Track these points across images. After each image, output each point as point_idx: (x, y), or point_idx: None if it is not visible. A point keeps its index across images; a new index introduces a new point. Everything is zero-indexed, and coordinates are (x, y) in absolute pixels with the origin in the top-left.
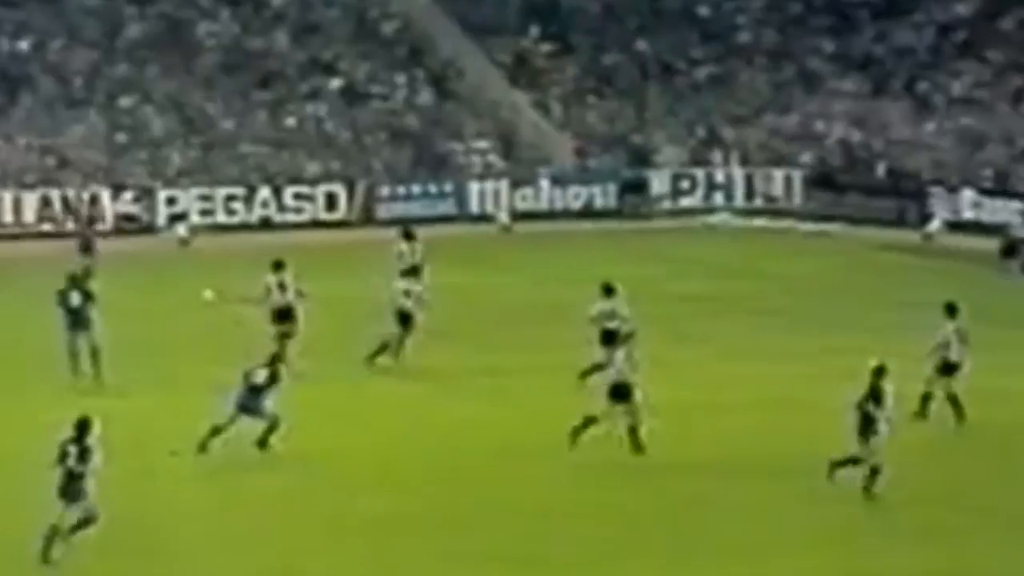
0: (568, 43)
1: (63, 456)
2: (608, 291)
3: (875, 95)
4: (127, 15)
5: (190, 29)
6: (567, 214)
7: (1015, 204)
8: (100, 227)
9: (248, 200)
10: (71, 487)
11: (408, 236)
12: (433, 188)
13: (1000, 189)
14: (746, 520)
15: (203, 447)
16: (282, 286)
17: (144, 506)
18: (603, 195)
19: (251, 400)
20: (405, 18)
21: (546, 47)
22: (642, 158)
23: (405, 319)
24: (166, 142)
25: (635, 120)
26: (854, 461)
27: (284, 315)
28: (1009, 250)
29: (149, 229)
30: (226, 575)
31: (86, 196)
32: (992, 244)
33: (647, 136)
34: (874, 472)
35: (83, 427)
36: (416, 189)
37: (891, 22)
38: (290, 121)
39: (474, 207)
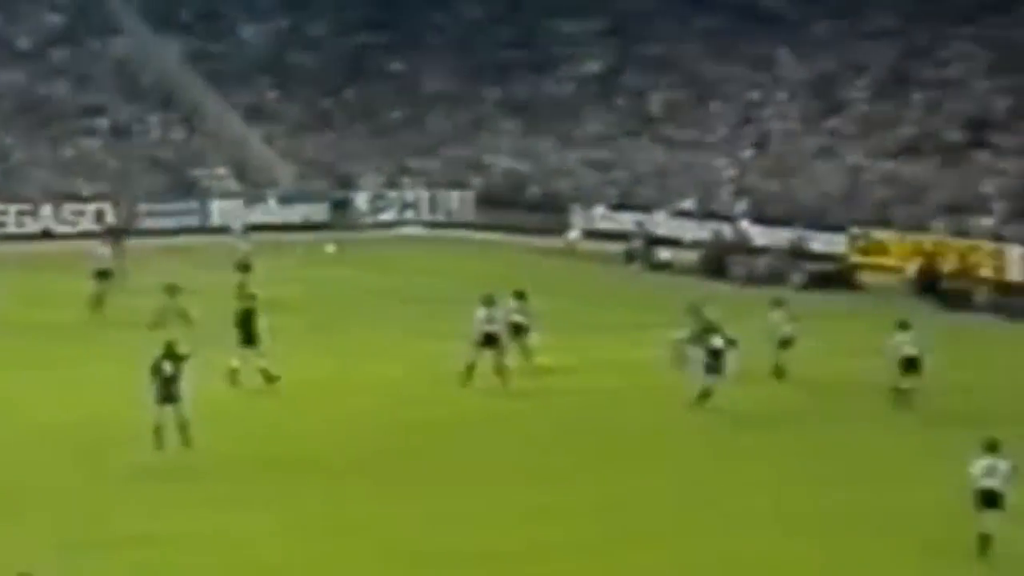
0: (291, 91)
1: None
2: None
3: (530, 133)
4: None
5: None
6: (290, 226)
7: (634, 216)
8: None
9: (34, 214)
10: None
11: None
12: (182, 205)
13: (623, 204)
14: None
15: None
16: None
17: None
18: (318, 211)
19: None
20: (160, 71)
21: (273, 94)
22: (348, 182)
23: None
24: None
25: (343, 152)
26: None
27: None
28: (631, 255)
29: None
30: None
31: None
32: (619, 247)
33: (352, 165)
34: None
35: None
36: (169, 207)
37: (542, 75)
38: (69, 152)
39: (215, 220)
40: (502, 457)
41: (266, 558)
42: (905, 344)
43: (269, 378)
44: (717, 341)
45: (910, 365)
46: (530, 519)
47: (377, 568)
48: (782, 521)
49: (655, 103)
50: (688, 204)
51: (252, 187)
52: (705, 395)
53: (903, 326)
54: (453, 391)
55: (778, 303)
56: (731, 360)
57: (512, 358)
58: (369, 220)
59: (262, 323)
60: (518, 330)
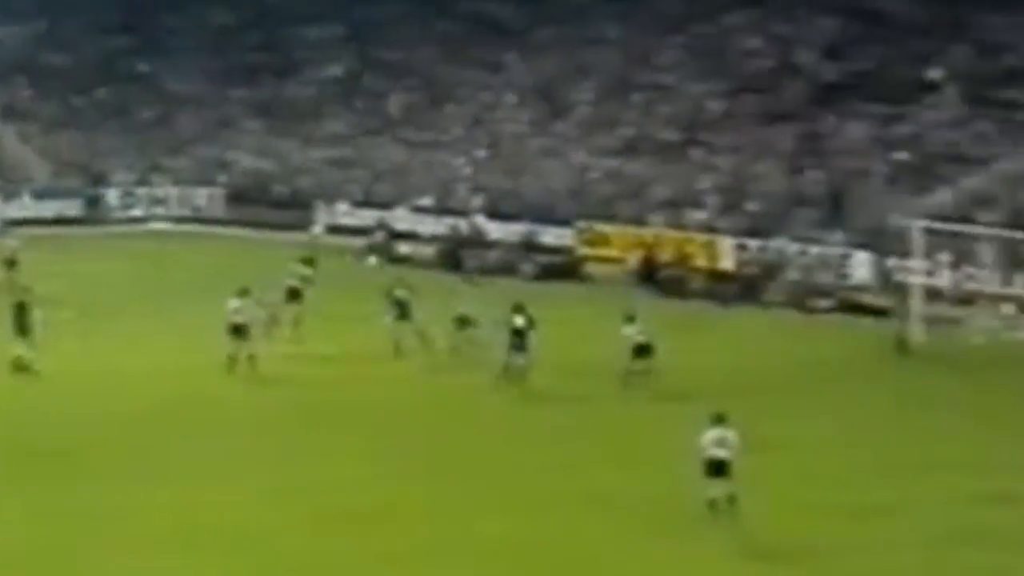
0: (45, 90)
1: None
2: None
3: (274, 133)
4: None
5: None
6: (45, 221)
7: (375, 213)
8: None
9: None
10: None
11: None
12: None
13: (365, 201)
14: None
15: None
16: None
17: None
18: (71, 206)
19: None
20: None
21: (28, 92)
22: (100, 179)
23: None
24: None
25: (96, 150)
26: None
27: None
28: (372, 249)
29: None
30: None
31: None
32: (361, 242)
33: (105, 163)
34: None
35: None
36: None
37: (285, 79)
38: None
39: None
40: (254, 442)
41: (12, 544)
42: (635, 335)
43: (28, 369)
44: (519, 320)
45: (642, 351)
46: (279, 499)
47: (120, 551)
48: (525, 500)
49: (394, 105)
50: (426, 201)
51: (7, 183)
52: (507, 372)
53: (630, 319)
54: (209, 380)
55: (467, 281)
56: (533, 339)
57: (262, 346)
58: (120, 215)
59: (36, 316)
60: (295, 295)
